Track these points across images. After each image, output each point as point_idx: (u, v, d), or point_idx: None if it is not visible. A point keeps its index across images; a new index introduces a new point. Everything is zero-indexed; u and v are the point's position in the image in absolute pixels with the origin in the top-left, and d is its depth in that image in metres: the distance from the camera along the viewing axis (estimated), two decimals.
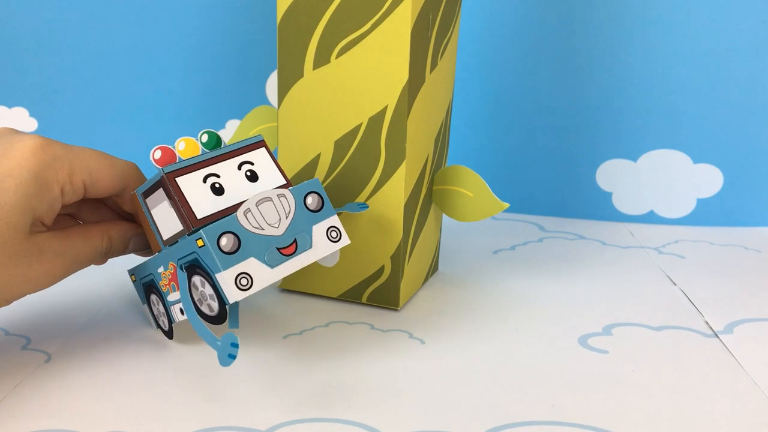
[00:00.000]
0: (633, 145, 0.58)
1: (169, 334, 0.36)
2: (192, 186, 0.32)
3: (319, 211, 0.34)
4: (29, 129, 0.62)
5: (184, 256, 0.32)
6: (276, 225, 0.32)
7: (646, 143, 0.58)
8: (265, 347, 0.36)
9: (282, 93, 0.40)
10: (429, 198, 0.43)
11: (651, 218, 0.59)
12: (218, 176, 0.33)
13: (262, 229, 0.32)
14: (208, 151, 0.34)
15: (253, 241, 0.31)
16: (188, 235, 0.32)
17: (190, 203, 0.32)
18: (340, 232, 0.34)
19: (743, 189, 0.58)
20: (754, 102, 0.55)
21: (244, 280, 0.30)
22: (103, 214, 0.38)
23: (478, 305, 0.42)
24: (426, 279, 0.45)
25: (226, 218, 0.31)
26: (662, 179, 0.58)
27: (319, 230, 0.34)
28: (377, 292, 0.41)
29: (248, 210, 0.31)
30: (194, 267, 0.31)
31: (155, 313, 0.37)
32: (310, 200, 0.34)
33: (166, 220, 0.33)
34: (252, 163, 0.34)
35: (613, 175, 0.59)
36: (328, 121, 0.39)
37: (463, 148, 0.60)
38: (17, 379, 0.33)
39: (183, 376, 0.33)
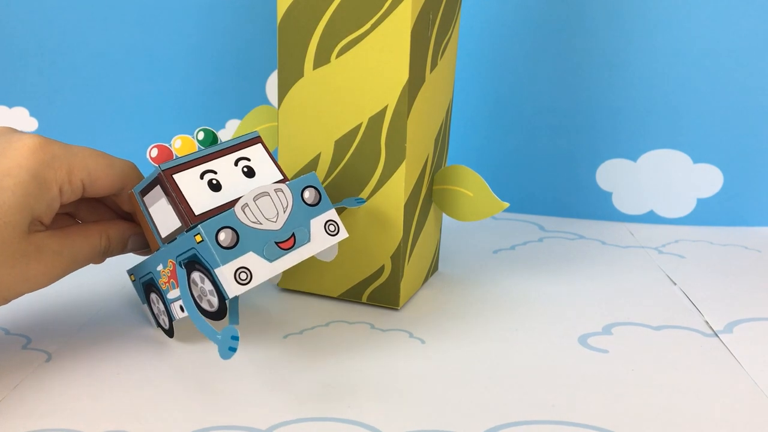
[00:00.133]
0: (633, 145, 0.58)
1: (170, 332, 0.36)
2: (189, 182, 0.32)
3: (316, 205, 0.34)
4: (29, 129, 0.62)
5: (182, 253, 0.32)
6: (274, 219, 0.32)
7: (646, 143, 0.58)
8: (265, 347, 0.36)
9: (282, 93, 0.40)
10: (429, 198, 0.43)
11: (651, 218, 0.59)
12: (215, 172, 0.33)
13: (260, 223, 0.32)
14: (204, 148, 0.34)
15: (252, 235, 0.31)
16: (186, 231, 0.32)
17: (187, 199, 0.32)
18: (338, 225, 0.34)
19: (743, 189, 0.58)
20: (754, 102, 0.55)
21: (243, 275, 0.30)
22: (102, 213, 0.38)
23: (478, 305, 0.42)
24: (426, 279, 0.45)
25: (224, 213, 0.31)
26: (662, 179, 0.58)
27: (317, 224, 0.34)
28: (377, 291, 0.41)
29: (246, 205, 0.31)
30: (193, 263, 0.31)
31: (155, 311, 0.37)
32: (308, 194, 0.34)
33: (164, 217, 0.33)
34: (249, 159, 0.34)
35: (613, 175, 0.59)
36: (328, 120, 0.39)
37: (463, 148, 0.60)
38: (17, 379, 0.33)
39: (183, 375, 0.33)
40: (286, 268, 0.32)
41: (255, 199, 0.32)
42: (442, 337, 0.38)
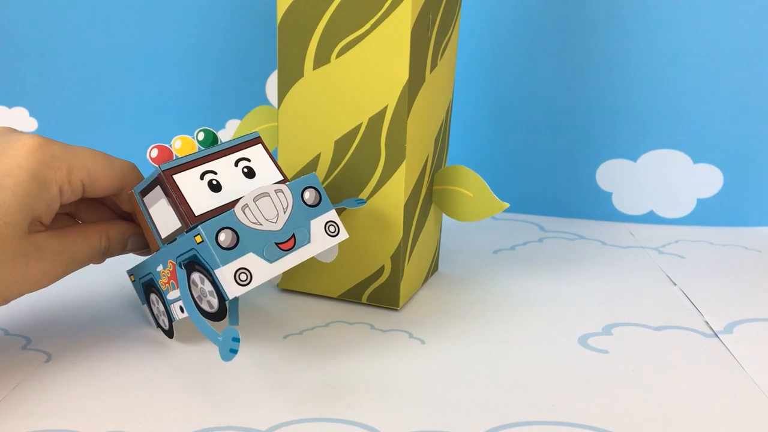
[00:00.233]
0: (633, 145, 0.58)
1: (170, 333, 0.36)
2: (189, 183, 0.32)
3: (316, 206, 0.34)
4: (29, 129, 0.62)
5: (182, 254, 0.32)
6: (274, 220, 0.32)
7: (646, 143, 0.58)
8: (265, 347, 0.36)
9: (282, 93, 0.40)
10: (429, 198, 0.43)
11: (651, 218, 0.59)
12: (215, 173, 0.33)
13: (260, 224, 0.32)
14: (204, 148, 0.34)
15: (252, 236, 0.31)
16: (186, 231, 0.32)
17: (187, 200, 0.32)
18: (338, 226, 0.34)
19: (743, 189, 0.58)
20: (754, 102, 0.55)
21: (243, 276, 0.30)
22: (102, 213, 0.38)
23: (478, 305, 0.42)
24: (426, 279, 0.45)
25: (224, 214, 0.31)
26: (662, 179, 0.58)
27: (317, 225, 0.34)
28: (377, 292, 0.41)
29: (246, 205, 0.31)
30: (193, 264, 0.31)
31: (155, 312, 0.37)
32: (308, 195, 0.34)
33: (164, 218, 0.33)
34: (249, 160, 0.34)
35: (613, 175, 0.59)
36: (328, 121, 0.39)
37: (463, 148, 0.60)
38: (17, 379, 0.33)
39: (183, 375, 0.33)
40: (287, 269, 0.32)
41: (255, 199, 0.32)
42: (442, 338, 0.38)
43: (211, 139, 0.35)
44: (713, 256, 0.52)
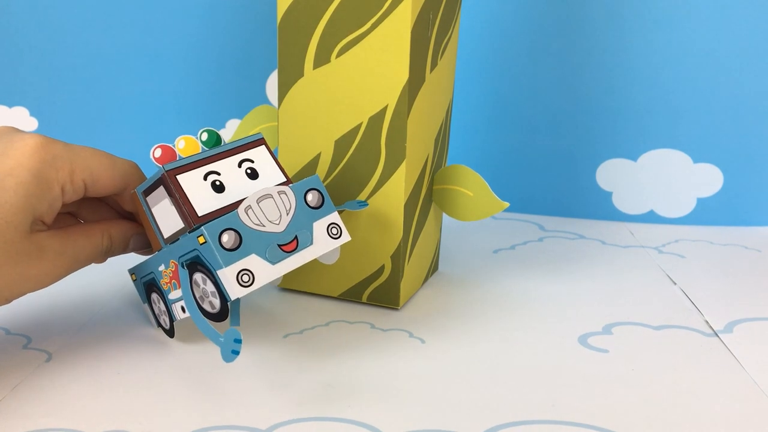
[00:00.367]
0: (633, 144, 0.58)
1: (170, 332, 0.36)
2: (193, 183, 0.32)
3: (319, 208, 0.34)
4: (29, 128, 0.62)
5: (185, 254, 0.32)
6: (277, 222, 0.32)
7: (646, 143, 0.58)
8: (266, 346, 0.36)
9: (282, 93, 0.40)
10: (429, 197, 0.43)
11: (651, 218, 0.60)
12: (219, 174, 0.33)
13: (263, 225, 0.32)
14: (208, 149, 0.34)
15: (254, 237, 0.31)
16: (189, 232, 0.32)
17: (191, 200, 0.32)
18: (340, 228, 0.34)
19: (743, 189, 0.58)
20: (754, 102, 0.55)
21: (245, 277, 0.30)
22: (104, 212, 0.38)
23: (478, 305, 0.42)
24: (426, 279, 0.45)
25: (227, 215, 0.31)
26: (662, 179, 0.58)
27: (319, 227, 0.34)
28: (377, 291, 0.41)
29: (249, 207, 0.31)
30: (195, 264, 0.31)
31: (156, 311, 0.37)
32: (311, 197, 0.34)
33: (166, 218, 0.33)
34: (252, 161, 0.35)
35: (613, 175, 0.59)
36: (328, 120, 0.39)
37: (463, 148, 0.60)
38: (18, 379, 0.33)
39: (183, 375, 0.33)
40: (289, 270, 0.32)
41: (258, 201, 0.32)
42: (442, 337, 0.38)
43: (215, 140, 0.35)
44: (713, 255, 0.52)
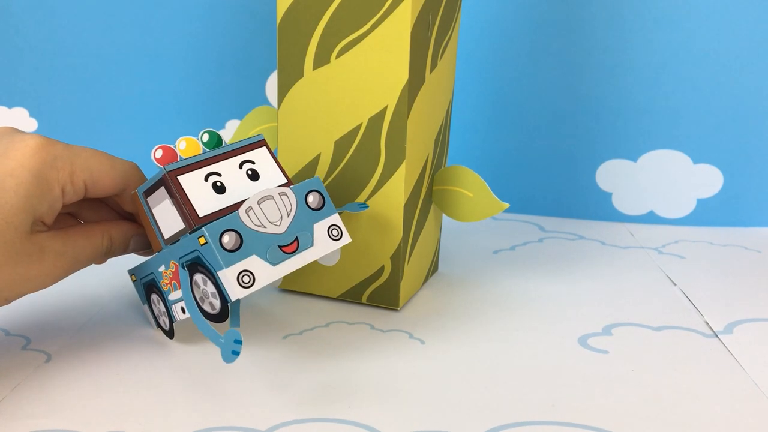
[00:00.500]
0: (633, 145, 0.58)
1: (170, 333, 0.36)
2: (193, 184, 0.32)
3: (320, 210, 0.34)
4: (29, 129, 0.62)
5: (185, 255, 0.32)
6: (277, 223, 0.32)
7: (646, 143, 0.58)
8: (265, 347, 0.36)
9: (282, 93, 0.40)
10: (429, 198, 0.43)
11: (651, 218, 0.60)
12: (219, 175, 0.33)
13: (264, 227, 0.32)
14: (208, 150, 0.34)
15: (255, 238, 0.31)
16: (190, 233, 0.32)
17: (191, 201, 0.32)
18: (341, 230, 0.34)
19: (743, 189, 0.58)
20: (754, 102, 0.55)
21: (246, 278, 0.30)
22: (104, 213, 0.38)
23: (478, 305, 0.42)
24: (426, 279, 0.45)
25: (228, 216, 0.31)
26: (662, 179, 0.58)
27: (320, 228, 0.34)
28: (377, 292, 0.41)
29: (250, 208, 0.31)
30: (196, 265, 0.31)
31: (156, 312, 0.37)
32: (311, 198, 0.34)
33: (167, 218, 0.33)
34: (253, 162, 0.35)
35: (613, 176, 0.59)
36: (328, 121, 0.39)
37: (463, 148, 0.60)
38: (17, 379, 0.33)
39: (183, 375, 0.33)
40: (289, 272, 0.32)
41: (259, 202, 0.32)
42: (442, 338, 0.38)
43: (216, 141, 0.35)
44: (713, 256, 0.52)
